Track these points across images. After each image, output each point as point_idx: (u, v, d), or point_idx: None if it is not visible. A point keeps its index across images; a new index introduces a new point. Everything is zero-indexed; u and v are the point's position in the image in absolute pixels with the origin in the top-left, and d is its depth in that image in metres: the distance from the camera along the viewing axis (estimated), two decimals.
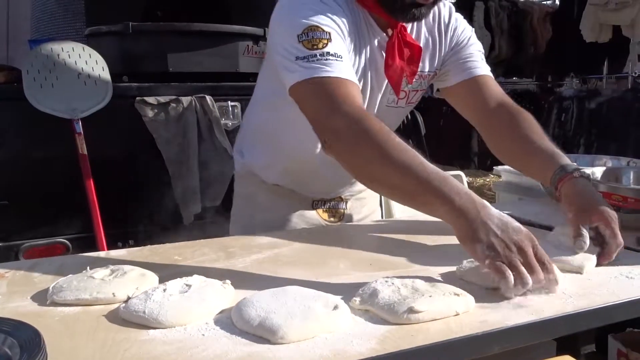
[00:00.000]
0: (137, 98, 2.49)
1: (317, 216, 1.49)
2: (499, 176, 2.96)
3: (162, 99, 2.53)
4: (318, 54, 1.07)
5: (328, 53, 1.07)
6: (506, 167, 2.94)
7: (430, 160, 0.97)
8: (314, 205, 1.48)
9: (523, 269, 0.85)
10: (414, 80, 1.31)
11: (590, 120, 3.97)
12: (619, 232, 1.02)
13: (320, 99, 1.07)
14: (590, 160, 1.79)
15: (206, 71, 2.68)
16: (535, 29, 5.51)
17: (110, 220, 2.38)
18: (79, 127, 2.35)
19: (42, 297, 0.91)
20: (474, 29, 1.42)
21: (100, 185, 2.36)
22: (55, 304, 0.88)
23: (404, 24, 1.24)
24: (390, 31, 1.25)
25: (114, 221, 2.41)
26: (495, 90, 1.32)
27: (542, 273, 0.86)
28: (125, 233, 2.51)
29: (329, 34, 1.09)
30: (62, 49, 2.47)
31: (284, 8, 1.18)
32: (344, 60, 1.09)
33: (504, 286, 0.85)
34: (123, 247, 2.50)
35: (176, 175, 2.58)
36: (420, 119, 3.15)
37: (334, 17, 1.13)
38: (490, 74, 1.35)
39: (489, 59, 5.33)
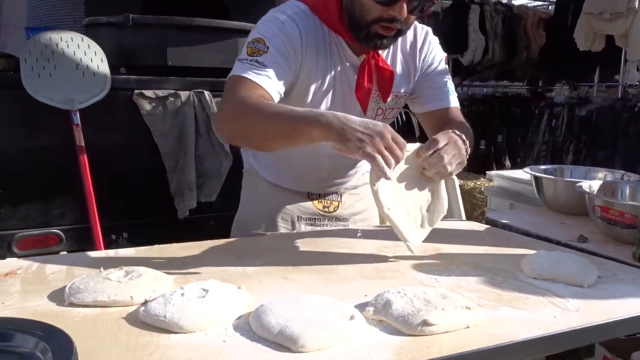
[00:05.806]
0: (136, 91, 2.48)
1: (312, 206, 1.60)
2: (490, 180, 3.01)
3: (160, 93, 2.52)
4: (249, 59, 1.27)
5: (257, 61, 1.26)
6: (498, 172, 3.00)
7: None
8: (309, 197, 1.59)
9: (386, 152, 1.06)
10: (390, 99, 1.44)
11: (580, 127, 4.03)
12: (442, 143, 1.18)
13: (228, 92, 1.27)
14: (584, 172, 1.82)
15: (205, 66, 2.67)
16: (529, 34, 5.57)
17: (105, 212, 2.37)
18: (77, 118, 2.34)
19: (58, 297, 0.92)
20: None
21: (96, 177, 2.35)
22: (72, 304, 0.89)
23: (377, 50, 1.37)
24: (363, 56, 1.38)
25: (108, 214, 2.40)
26: (455, 117, 1.46)
27: (400, 152, 1.08)
28: (119, 226, 2.50)
29: (268, 48, 1.28)
30: (61, 38, 2.45)
31: (259, 22, 1.37)
32: (267, 70, 1.26)
33: (375, 167, 1.05)
34: (117, 240, 2.51)
35: (172, 169, 2.58)
36: (414, 120, 3.18)
37: (283, 38, 1.29)
38: (457, 104, 1.49)
39: (483, 62, 5.40)
